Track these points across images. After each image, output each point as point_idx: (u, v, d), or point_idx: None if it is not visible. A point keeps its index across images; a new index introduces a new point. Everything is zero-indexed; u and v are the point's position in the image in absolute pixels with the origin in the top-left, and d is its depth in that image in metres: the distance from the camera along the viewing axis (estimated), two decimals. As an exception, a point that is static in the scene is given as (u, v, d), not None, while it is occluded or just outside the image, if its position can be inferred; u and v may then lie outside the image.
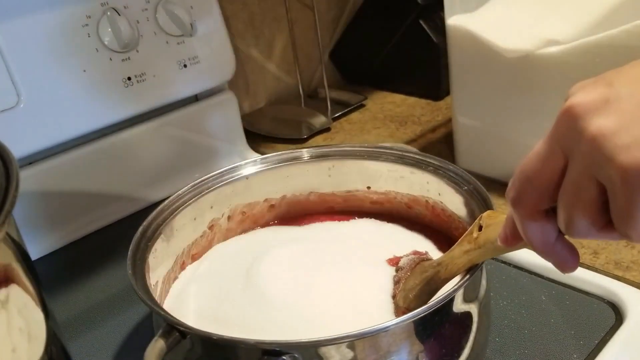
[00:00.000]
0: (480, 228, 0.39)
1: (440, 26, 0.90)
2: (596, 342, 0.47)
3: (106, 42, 0.64)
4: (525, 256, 0.56)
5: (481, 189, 0.46)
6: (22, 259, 0.26)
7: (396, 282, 0.45)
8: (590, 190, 0.25)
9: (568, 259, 0.29)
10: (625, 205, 0.24)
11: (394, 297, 0.44)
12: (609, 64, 0.57)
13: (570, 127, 0.26)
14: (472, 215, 0.46)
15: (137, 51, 0.67)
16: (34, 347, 0.26)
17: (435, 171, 0.51)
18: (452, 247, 0.41)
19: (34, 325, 0.27)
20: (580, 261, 0.52)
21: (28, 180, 0.64)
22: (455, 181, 0.49)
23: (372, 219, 0.56)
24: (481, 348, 0.43)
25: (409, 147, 0.55)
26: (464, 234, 0.40)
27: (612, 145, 0.24)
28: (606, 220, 0.26)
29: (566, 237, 0.29)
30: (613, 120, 0.24)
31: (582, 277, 0.53)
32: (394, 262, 0.48)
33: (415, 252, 0.47)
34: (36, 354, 0.26)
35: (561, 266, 0.29)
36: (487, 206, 0.44)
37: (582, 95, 0.26)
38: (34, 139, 0.62)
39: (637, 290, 0.50)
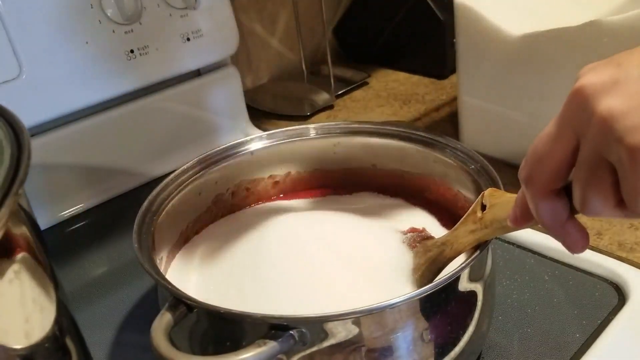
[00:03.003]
0: (483, 207, 0.39)
1: (446, 3, 0.89)
2: (599, 322, 0.47)
3: (109, 14, 0.63)
4: (529, 236, 0.56)
5: (489, 168, 0.46)
6: (33, 230, 0.26)
7: None
8: (602, 170, 0.25)
9: (578, 239, 0.30)
10: (636, 185, 0.24)
11: None
12: (617, 45, 0.57)
13: (580, 107, 0.26)
14: (479, 194, 0.46)
15: (140, 23, 0.66)
16: (45, 318, 0.26)
17: (442, 150, 0.51)
18: (456, 226, 0.41)
19: (45, 296, 0.26)
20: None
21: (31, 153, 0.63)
22: (462, 160, 0.49)
23: (375, 193, 0.56)
24: (485, 327, 0.43)
25: (416, 126, 0.54)
26: (467, 213, 0.40)
27: (620, 127, 0.24)
28: (619, 198, 0.26)
29: (577, 218, 0.30)
30: (621, 101, 0.24)
31: (585, 257, 0.53)
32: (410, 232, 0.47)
33: (413, 229, 0.47)
34: (47, 325, 0.26)
35: (571, 246, 0.30)
36: (495, 185, 0.44)
37: (592, 76, 0.26)
38: (36, 111, 0.61)
39: (640, 271, 0.51)
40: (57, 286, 0.28)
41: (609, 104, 0.24)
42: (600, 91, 0.25)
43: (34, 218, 0.28)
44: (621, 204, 0.26)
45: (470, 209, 0.40)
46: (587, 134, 0.26)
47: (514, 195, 0.36)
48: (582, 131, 0.26)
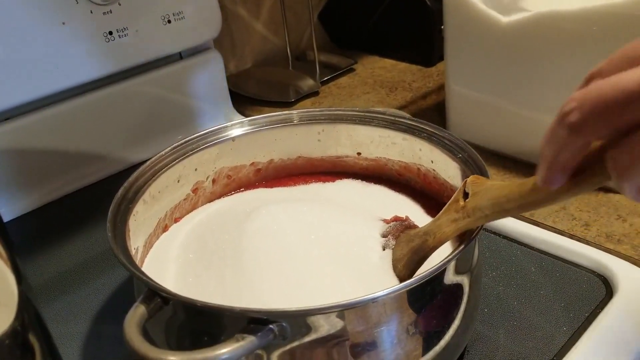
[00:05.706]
0: (465, 195, 0.38)
1: (434, -11, 0.88)
2: (586, 314, 0.46)
3: (86, -7, 0.61)
4: (516, 226, 0.55)
5: (476, 157, 0.45)
6: (-10, 219, 0.24)
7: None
8: None
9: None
10: None
11: None
12: (607, 33, 0.56)
13: None
14: (466, 184, 0.45)
15: (119, 4, 0.64)
16: (4, 313, 0.24)
17: (429, 138, 0.50)
18: (438, 215, 0.40)
19: (4, 290, 0.25)
20: (572, 233, 0.52)
21: (2, 137, 0.61)
22: (449, 148, 0.48)
23: (359, 180, 0.55)
24: (471, 319, 0.42)
25: (402, 113, 0.53)
26: (449, 201, 0.39)
27: None
28: None
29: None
30: None
31: (573, 249, 0.52)
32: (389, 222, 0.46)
33: (396, 218, 0.46)
34: (6, 320, 0.24)
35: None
36: (482, 174, 0.43)
37: None
38: (9, 94, 0.59)
39: (628, 263, 0.50)
40: (19, 279, 0.27)
41: None
42: None
43: (-7, 206, 0.26)
44: None
45: (453, 197, 0.39)
46: None
47: (496, 183, 0.34)
48: None
